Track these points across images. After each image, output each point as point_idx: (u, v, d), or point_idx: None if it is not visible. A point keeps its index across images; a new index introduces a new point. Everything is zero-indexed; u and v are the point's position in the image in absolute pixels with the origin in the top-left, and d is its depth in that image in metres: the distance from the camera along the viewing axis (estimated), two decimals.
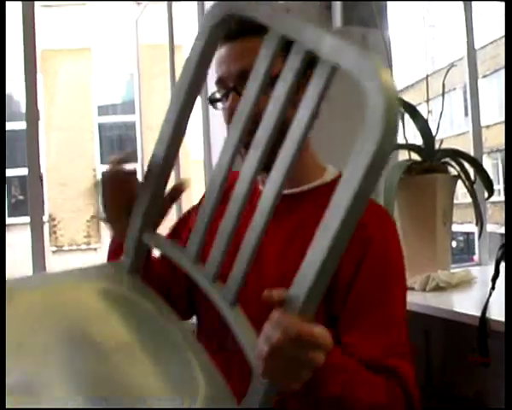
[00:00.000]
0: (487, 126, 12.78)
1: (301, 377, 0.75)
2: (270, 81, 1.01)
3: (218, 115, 1.21)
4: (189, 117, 0.96)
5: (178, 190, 1.04)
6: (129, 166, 1.04)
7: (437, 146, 1.99)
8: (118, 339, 0.81)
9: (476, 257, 2.57)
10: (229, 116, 1.10)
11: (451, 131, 15.69)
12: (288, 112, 0.82)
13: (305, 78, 0.87)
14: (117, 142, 12.34)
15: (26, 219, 2.02)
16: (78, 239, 12.05)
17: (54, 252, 11.46)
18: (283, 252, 1.09)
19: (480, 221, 2.02)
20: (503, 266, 1.43)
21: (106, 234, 12.16)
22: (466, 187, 1.96)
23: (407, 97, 2.11)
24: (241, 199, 0.82)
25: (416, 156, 1.99)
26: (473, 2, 2.60)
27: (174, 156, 0.96)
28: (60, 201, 11.78)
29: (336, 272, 0.94)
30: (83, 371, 0.75)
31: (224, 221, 0.84)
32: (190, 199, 1.53)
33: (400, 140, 2.09)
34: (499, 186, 13.57)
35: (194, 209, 1.28)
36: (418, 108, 2.04)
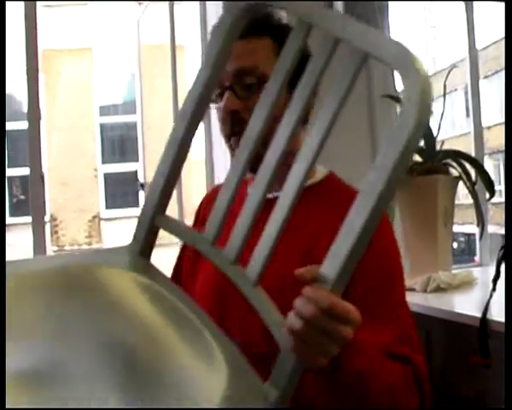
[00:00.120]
0: (489, 127, 12.78)
1: (330, 352, 0.76)
2: (261, 81, 1.03)
3: None
4: (207, 103, 0.96)
5: None
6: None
7: (438, 147, 1.99)
8: (141, 319, 0.80)
9: (477, 258, 2.57)
10: (225, 115, 1.11)
11: (453, 131, 15.69)
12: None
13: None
14: (118, 142, 12.35)
15: (28, 218, 2.03)
16: (79, 239, 12.06)
17: (55, 252, 11.47)
18: (282, 251, 1.09)
19: (482, 222, 2.02)
20: (504, 267, 1.44)
21: (107, 234, 12.19)
22: (467, 188, 1.96)
23: None
24: (265, 184, 0.83)
25: (417, 157, 1.99)
26: (474, 3, 2.60)
27: (192, 135, 0.96)
28: (61, 201, 11.79)
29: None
30: (113, 343, 0.74)
31: (245, 206, 0.85)
32: (191, 199, 1.54)
33: None
34: (500, 187, 13.56)
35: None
36: None
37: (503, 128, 1.46)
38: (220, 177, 2.13)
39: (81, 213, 11.96)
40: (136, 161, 10.66)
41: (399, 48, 0.70)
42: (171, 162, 0.94)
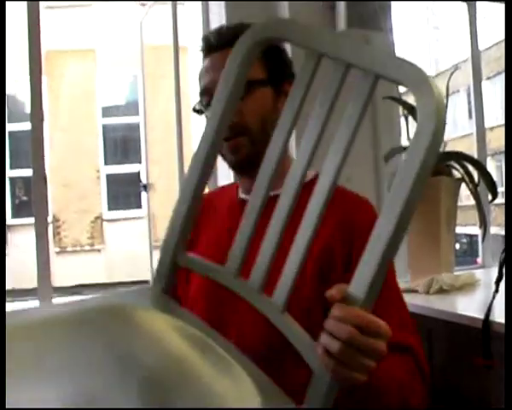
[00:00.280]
0: (491, 128, 12.76)
1: (368, 368, 0.77)
2: (248, 85, 1.05)
3: None
4: (223, 134, 0.98)
5: None
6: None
7: (441, 148, 1.99)
8: (175, 355, 0.80)
9: (480, 259, 2.57)
10: None
11: (455, 133, 15.68)
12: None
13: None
14: (121, 143, 12.36)
15: (30, 220, 2.03)
16: (81, 240, 12.06)
17: (57, 253, 11.48)
18: (281, 252, 1.10)
19: (484, 224, 2.02)
20: (505, 267, 1.43)
21: (109, 235, 12.18)
22: (470, 189, 1.96)
23: (411, 99, 2.11)
24: (286, 211, 0.85)
25: None
26: (477, 4, 2.60)
27: (208, 175, 0.98)
28: (63, 202, 11.79)
29: (330, 259, 0.96)
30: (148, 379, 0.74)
31: (268, 234, 0.86)
32: None
33: (404, 142, 2.09)
34: (503, 189, 13.52)
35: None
36: None
37: None
38: (222, 178, 2.13)
39: (83, 214, 11.96)
40: (139, 162, 10.67)
41: (412, 68, 0.72)
42: (188, 202, 0.95)
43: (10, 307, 2.47)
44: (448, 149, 2.02)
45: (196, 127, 1.21)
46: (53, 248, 11.19)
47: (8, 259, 10.81)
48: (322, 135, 0.83)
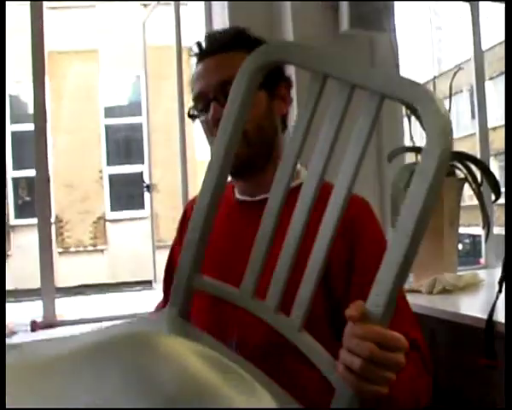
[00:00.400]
0: (494, 128, 12.73)
1: (389, 380, 0.79)
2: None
3: None
4: (231, 158, 0.98)
5: None
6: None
7: None
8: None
9: (483, 260, 2.56)
10: (213, 126, 1.16)
11: (458, 133, 15.65)
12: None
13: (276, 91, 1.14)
14: (123, 143, 12.36)
15: (33, 220, 2.03)
16: (84, 241, 12.07)
17: (60, 253, 11.49)
18: (275, 255, 1.11)
19: (487, 224, 2.01)
20: (504, 267, 1.43)
21: (112, 236, 12.19)
22: (473, 189, 1.96)
23: None
24: (300, 229, 0.86)
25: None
26: (480, 4, 2.60)
27: (219, 199, 0.98)
28: (66, 202, 11.80)
29: (330, 257, 0.98)
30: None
31: (281, 255, 0.87)
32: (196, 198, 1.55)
33: (407, 142, 2.09)
34: None
35: (175, 245, 1.36)
36: None
37: None
38: None
39: (86, 214, 11.97)
40: (142, 162, 10.67)
41: (417, 87, 0.75)
42: (201, 227, 0.96)
43: (13, 307, 2.47)
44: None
45: (199, 128, 1.20)
46: (56, 249, 11.20)
47: (11, 259, 10.83)
48: (331, 153, 0.84)
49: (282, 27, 2.16)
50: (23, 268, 9.47)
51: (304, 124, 0.87)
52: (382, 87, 0.78)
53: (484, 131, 2.62)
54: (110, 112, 12.24)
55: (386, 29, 2.15)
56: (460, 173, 1.98)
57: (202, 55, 1.22)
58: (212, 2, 2.23)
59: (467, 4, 2.60)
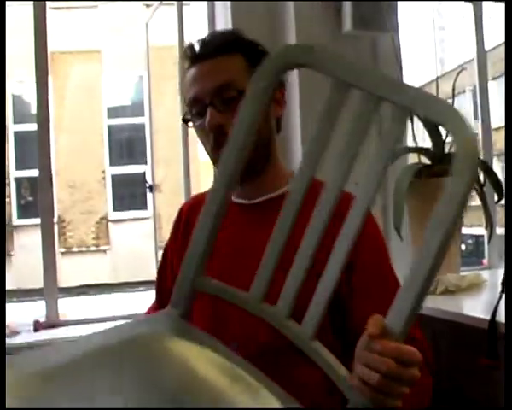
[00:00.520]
0: (497, 129, 12.72)
1: (403, 394, 0.81)
2: (241, 94, 1.08)
3: None
4: (245, 158, 0.96)
5: None
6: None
7: (447, 149, 1.98)
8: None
9: (486, 260, 2.56)
10: (210, 132, 1.16)
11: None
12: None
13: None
14: (126, 144, 12.38)
15: (36, 220, 2.03)
16: (87, 241, 12.09)
17: (63, 253, 11.51)
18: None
19: (490, 224, 2.01)
20: (504, 266, 1.43)
21: (115, 236, 12.20)
22: (475, 190, 1.96)
23: None
24: (315, 241, 0.85)
25: (425, 159, 1.99)
26: (483, 4, 2.59)
27: (229, 199, 0.97)
28: (69, 202, 11.82)
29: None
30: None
31: (296, 262, 0.87)
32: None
33: (410, 143, 2.09)
34: None
35: (170, 245, 1.35)
36: None
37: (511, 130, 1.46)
38: None
39: (89, 214, 11.99)
40: (144, 162, 10.68)
41: (446, 107, 0.75)
42: (209, 228, 0.94)
43: (16, 307, 2.48)
44: (454, 149, 2.01)
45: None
46: (58, 249, 11.22)
47: (13, 259, 10.85)
48: (352, 167, 0.83)
49: (284, 28, 2.16)
50: (26, 268, 9.49)
51: (324, 135, 0.85)
52: (410, 103, 0.78)
53: (487, 131, 2.62)
54: (113, 112, 12.26)
55: (389, 29, 2.14)
56: None
57: (196, 58, 1.20)
58: (215, 3, 2.23)
59: (470, 4, 2.60)
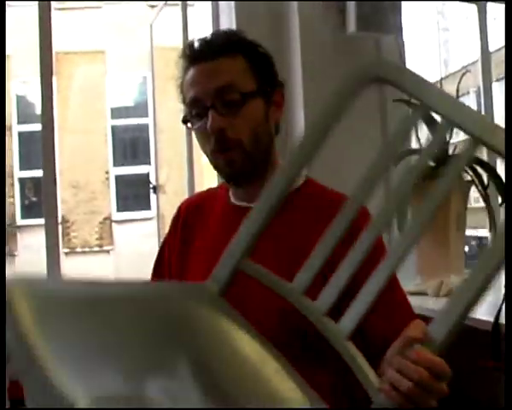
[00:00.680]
0: None
1: (430, 405, 0.82)
2: (243, 97, 1.12)
3: None
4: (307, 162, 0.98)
5: None
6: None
7: (450, 151, 1.98)
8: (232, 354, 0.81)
9: None
10: (211, 133, 1.15)
11: (465, 134, 15.58)
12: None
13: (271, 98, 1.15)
14: (130, 144, 12.38)
15: (40, 220, 2.04)
16: (90, 241, 12.09)
17: (66, 254, 11.51)
18: (275, 257, 1.10)
19: (494, 226, 2.01)
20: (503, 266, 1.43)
21: (118, 236, 12.21)
22: (479, 192, 1.95)
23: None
24: (367, 245, 0.87)
25: (429, 162, 1.98)
26: (487, 5, 2.59)
27: (290, 185, 0.97)
28: (73, 203, 11.83)
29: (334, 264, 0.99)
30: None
31: (344, 262, 0.88)
32: None
33: (413, 145, 2.08)
34: None
35: (168, 241, 1.34)
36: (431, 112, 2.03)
37: None
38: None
39: (92, 215, 11.99)
40: (148, 163, 10.68)
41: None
42: (266, 212, 0.95)
43: None
44: (458, 151, 2.01)
45: None
46: (62, 249, 11.23)
47: (17, 259, 10.86)
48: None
49: (288, 28, 2.16)
50: (29, 268, 9.50)
51: (393, 150, 0.89)
52: (477, 132, 0.80)
53: None
54: (117, 113, 12.26)
55: (393, 31, 2.15)
56: (466, 176, 1.97)
57: (197, 58, 1.18)
58: (219, 3, 2.23)
59: (474, 6, 2.60)
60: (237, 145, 1.15)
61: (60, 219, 11.51)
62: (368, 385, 0.82)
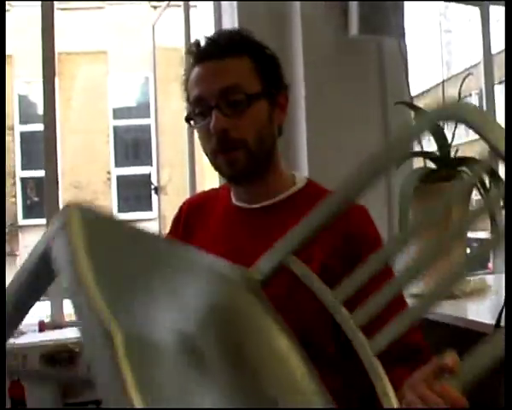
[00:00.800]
0: None
1: None
2: (247, 98, 1.12)
3: None
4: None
5: None
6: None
7: (452, 153, 1.98)
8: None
9: (491, 265, 2.55)
10: (214, 133, 1.14)
11: (467, 137, 15.60)
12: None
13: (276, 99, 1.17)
14: (132, 145, 12.39)
15: (42, 220, 2.04)
16: None
17: None
18: None
19: (495, 228, 2.00)
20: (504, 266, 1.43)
21: None
22: (481, 194, 1.95)
23: (422, 103, 2.10)
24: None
25: (431, 164, 1.98)
26: (490, 7, 2.59)
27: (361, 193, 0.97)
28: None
29: (332, 269, 0.97)
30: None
31: (386, 287, 0.88)
32: None
33: (415, 148, 2.08)
34: None
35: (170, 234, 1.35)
36: None
37: None
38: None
39: None
40: (150, 164, 10.69)
41: None
42: (321, 219, 0.94)
43: None
44: (460, 153, 2.01)
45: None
46: None
47: (18, 259, 10.86)
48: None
49: (290, 29, 2.16)
50: None
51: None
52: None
53: None
54: (119, 113, 12.27)
55: (395, 33, 2.14)
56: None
57: (203, 57, 1.17)
58: (222, 3, 2.23)
59: (477, 8, 2.60)
60: (242, 145, 1.15)
61: None
62: (387, 404, 0.82)
